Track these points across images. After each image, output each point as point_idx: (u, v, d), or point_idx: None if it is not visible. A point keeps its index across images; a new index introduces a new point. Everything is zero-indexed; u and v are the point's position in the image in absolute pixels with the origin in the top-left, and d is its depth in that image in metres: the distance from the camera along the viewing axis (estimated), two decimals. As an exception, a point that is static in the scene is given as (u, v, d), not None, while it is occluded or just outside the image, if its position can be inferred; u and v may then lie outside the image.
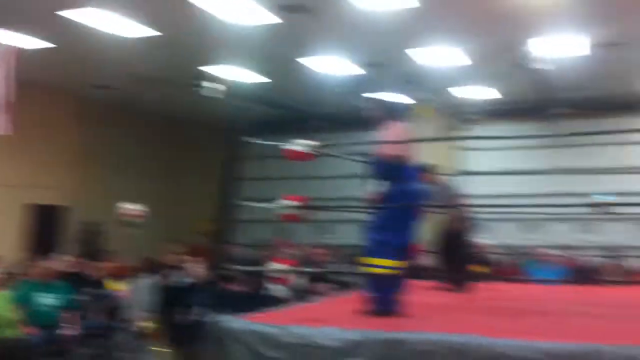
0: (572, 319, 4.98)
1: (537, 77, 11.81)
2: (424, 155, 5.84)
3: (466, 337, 3.83)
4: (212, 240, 12.52)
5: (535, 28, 10.08)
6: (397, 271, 4.84)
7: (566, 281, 9.84)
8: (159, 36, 10.36)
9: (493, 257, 11.64)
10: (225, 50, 11.44)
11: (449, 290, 7.17)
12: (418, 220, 5.19)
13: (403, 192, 5.02)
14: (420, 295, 6.56)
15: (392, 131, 5.11)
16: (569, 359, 3.54)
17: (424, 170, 7.02)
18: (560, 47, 10.81)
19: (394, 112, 5.29)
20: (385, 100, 5.44)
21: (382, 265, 4.87)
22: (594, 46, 10.92)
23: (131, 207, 10.81)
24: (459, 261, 7.66)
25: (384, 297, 4.82)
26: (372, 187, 5.15)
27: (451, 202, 7.12)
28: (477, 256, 10.71)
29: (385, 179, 5.07)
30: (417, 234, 5.28)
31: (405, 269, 4.91)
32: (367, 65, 12.32)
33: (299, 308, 5.47)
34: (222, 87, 12.12)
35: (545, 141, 15.37)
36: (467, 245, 7.84)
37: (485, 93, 14.66)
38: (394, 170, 5.01)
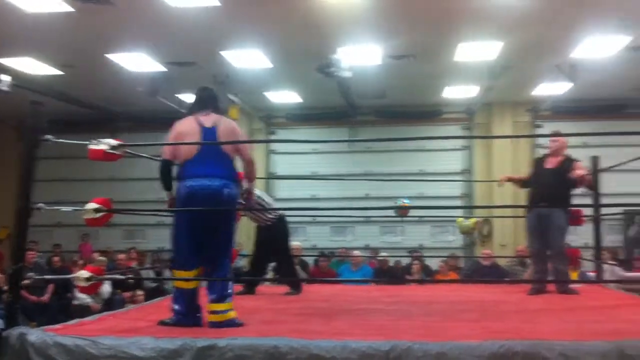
0: (380, 318, 5.21)
1: (338, 84, 12.28)
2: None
3: (279, 340, 3.88)
4: (9, 246, 11.68)
5: (336, 37, 10.53)
6: (187, 282, 4.68)
7: (373, 281, 10.30)
8: None
9: (304, 259, 11.91)
10: (15, 40, 10.70)
11: (288, 293, 7.21)
12: (210, 221, 4.73)
13: (178, 193, 4.78)
14: (236, 299, 6.57)
15: (172, 131, 4.88)
16: (380, 357, 3.70)
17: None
18: (359, 56, 11.37)
19: (187, 110, 5.03)
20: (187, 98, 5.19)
21: (176, 277, 4.76)
22: (388, 57, 11.62)
23: None
24: (287, 263, 7.71)
25: (179, 308, 4.67)
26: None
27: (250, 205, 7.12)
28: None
29: (164, 180, 4.87)
30: (219, 237, 4.84)
31: (198, 277, 4.73)
32: (173, 64, 12.13)
33: (107, 317, 5.24)
34: (8, 80, 11.28)
35: (351, 146, 16.09)
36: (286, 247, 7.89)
37: (288, 97, 15.04)
38: (173, 171, 4.85)
